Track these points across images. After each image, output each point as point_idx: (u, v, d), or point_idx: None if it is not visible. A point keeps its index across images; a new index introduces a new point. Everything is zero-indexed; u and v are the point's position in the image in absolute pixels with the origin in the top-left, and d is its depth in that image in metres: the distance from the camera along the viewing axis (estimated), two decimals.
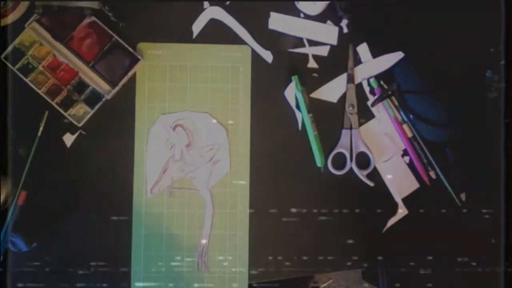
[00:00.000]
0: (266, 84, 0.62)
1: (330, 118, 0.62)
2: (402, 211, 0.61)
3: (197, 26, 0.62)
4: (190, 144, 0.60)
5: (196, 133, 0.61)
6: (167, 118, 0.61)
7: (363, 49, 0.62)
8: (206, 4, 0.62)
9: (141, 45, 0.61)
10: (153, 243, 0.60)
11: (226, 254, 0.60)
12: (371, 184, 0.61)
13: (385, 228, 0.61)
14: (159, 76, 0.61)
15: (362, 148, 0.61)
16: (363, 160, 0.61)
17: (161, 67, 0.61)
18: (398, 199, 0.61)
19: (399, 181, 0.61)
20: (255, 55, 0.62)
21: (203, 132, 0.61)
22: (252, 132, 0.61)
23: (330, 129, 0.62)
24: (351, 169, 0.61)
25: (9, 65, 0.58)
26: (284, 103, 0.61)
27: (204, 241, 0.60)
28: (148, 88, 0.61)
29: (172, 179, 0.60)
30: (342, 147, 0.61)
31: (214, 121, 0.61)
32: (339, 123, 0.62)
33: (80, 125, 0.59)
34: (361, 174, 0.61)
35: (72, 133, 0.60)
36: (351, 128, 0.61)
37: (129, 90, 0.61)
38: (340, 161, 0.61)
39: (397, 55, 0.62)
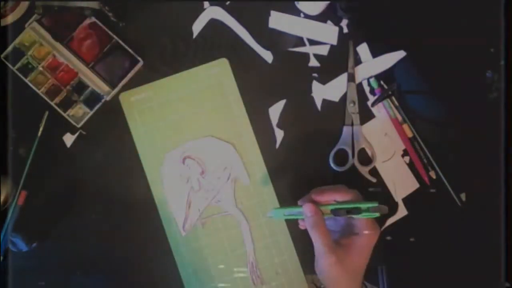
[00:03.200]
0: (262, 87, 0.62)
1: (332, 117, 0.62)
2: (401, 211, 0.61)
3: (197, 26, 0.62)
4: (204, 171, 0.60)
5: (206, 159, 0.60)
6: (173, 155, 0.60)
7: (363, 49, 0.62)
8: (206, 4, 0.62)
9: (123, 95, 0.60)
10: (203, 277, 0.59)
11: (275, 262, 0.60)
12: (373, 180, 0.61)
13: (383, 227, 0.61)
14: (151, 117, 0.60)
15: (364, 145, 0.61)
16: (365, 157, 0.62)
17: (149, 109, 0.60)
18: (398, 199, 0.61)
19: (399, 181, 0.61)
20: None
21: (212, 155, 0.60)
22: (257, 138, 0.61)
23: (332, 127, 0.62)
24: (353, 166, 0.61)
25: (9, 65, 0.58)
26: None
27: (251, 257, 0.60)
28: (145, 132, 0.60)
29: (199, 210, 0.60)
30: (343, 144, 0.61)
31: (219, 141, 0.60)
32: (341, 121, 0.62)
33: (79, 126, 0.59)
34: (363, 171, 0.61)
35: (72, 133, 0.60)
36: (352, 124, 0.61)
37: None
38: (342, 157, 0.61)
39: (399, 54, 0.62)
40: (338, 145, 0.61)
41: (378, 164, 0.61)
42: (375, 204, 0.50)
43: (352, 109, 0.61)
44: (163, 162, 0.60)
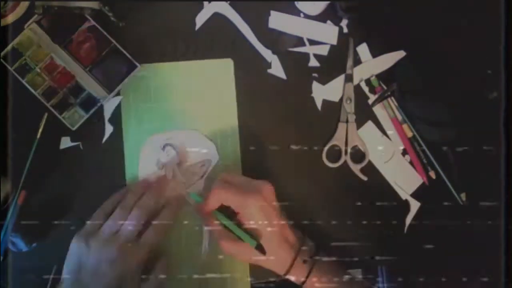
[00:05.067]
0: (262, 86, 0.62)
1: (332, 117, 0.62)
2: (414, 210, 0.61)
3: (201, 19, 0.62)
4: (181, 163, 0.60)
5: (186, 151, 0.60)
6: (156, 139, 0.60)
7: (363, 49, 0.62)
8: (206, 4, 0.62)
9: None
10: None
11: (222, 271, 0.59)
12: (364, 178, 0.61)
13: (406, 228, 0.61)
14: (144, 97, 0.60)
15: (357, 142, 0.61)
16: (358, 154, 0.62)
17: (145, 88, 0.60)
18: (407, 196, 0.61)
19: (403, 179, 0.61)
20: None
21: (193, 149, 0.60)
22: (241, 143, 0.61)
23: (331, 126, 0.62)
24: (345, 163, 0.61)
25: (6, 65, 0.58)
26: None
27: (203, 256, 0.59)
28: (134, 110, 0.60)
29: None
30: (337, 140, 0.61)
31: (203, 137, 0.60)
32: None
33: (73, 128, 0.59)
34: (355, 168, 0.61)
35: (69, 136, 0.60)
36: (347, 121, 0.61)
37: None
38: (335, 154, 0.61)
39: (399, 54, 0.62)
40: (332, 141, 0.61)
41: (380, 166, 0.61)
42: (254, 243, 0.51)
43: (348, 106, 0.61)
44: (145, 144, 0.60)
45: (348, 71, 0.61)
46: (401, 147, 0.62)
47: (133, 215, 0.54)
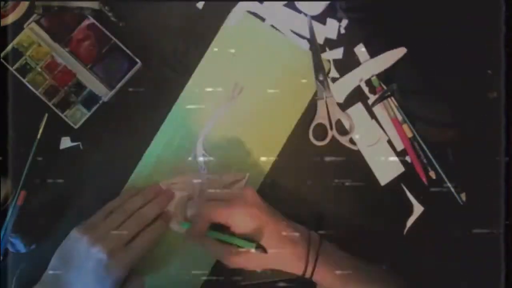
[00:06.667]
0: None
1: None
2: (417, 210, 0.61)
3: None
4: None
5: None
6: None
7: (362, 49, 0.62)
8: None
9: None
10: None
11: None
12: (355, 148, 0.61)
13: (405, 230, 0.61)
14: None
15: (339, 115, 0.61)
16: (343, 127, 0.62)
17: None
18: (411, 198, 0.61)
19: (385, 165, 0.61)
20: None
21: None
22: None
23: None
24: (333, 138, 0.61)
25: (7, 65, 0.58)
26: None
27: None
28: None
29: None
30: (320, 118, 0.61)
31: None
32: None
33: (76, 127, 0.59)
34: (344, 140, 0.61)
35: (71, 136, 0.60)
36: (325, 97, 0.61)
37: (127, 92, 0.61)
38: (321, 131, 0.61)
39: (399, 51, 0.61)
40: (315, 119, 0.61)
41: (363, 148, 0.61)
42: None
43: (321, 81, 0.61)
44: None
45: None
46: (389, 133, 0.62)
47: (130, 222, 0.53)
